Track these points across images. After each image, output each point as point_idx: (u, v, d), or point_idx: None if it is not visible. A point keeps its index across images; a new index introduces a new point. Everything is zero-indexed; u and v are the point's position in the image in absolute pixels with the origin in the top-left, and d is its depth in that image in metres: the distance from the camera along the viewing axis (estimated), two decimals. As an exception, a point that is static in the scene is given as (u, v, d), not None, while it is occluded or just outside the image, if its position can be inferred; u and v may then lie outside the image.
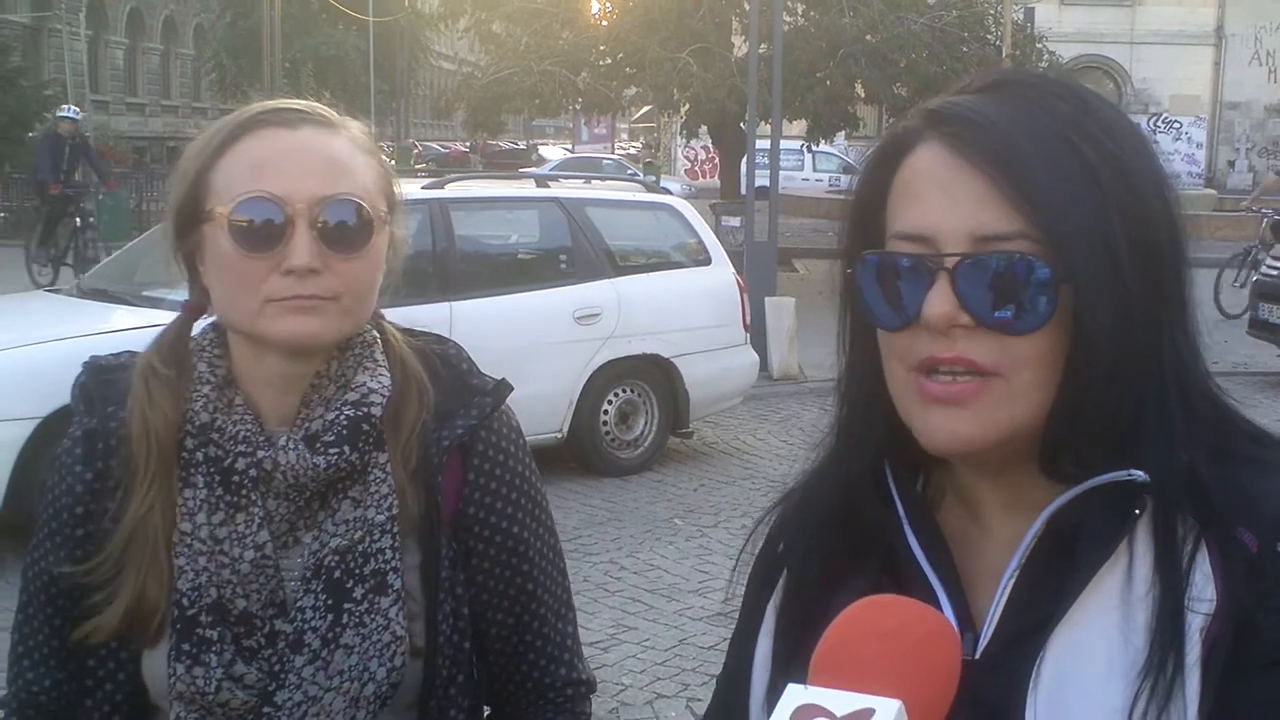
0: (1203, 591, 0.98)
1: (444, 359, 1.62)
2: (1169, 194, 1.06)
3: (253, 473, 1.48)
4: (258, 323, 1.44)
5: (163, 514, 1.48)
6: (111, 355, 1.61)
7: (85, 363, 1.60)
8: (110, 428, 1.53)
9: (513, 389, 1.64)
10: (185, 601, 1.47)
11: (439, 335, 1.66)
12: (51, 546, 1.54)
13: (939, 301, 1.00)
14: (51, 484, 1.56)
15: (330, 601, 1.48)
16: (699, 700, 5.23)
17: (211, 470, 1.49)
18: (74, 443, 1.55)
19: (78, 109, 21.14)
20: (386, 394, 1.52)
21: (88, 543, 1.52)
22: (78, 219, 17.84)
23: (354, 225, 1.45)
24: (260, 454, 1.47)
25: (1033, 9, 28.75)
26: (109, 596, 1.48)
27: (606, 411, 8.73)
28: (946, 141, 1.03)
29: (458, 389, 1.59)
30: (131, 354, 1.59)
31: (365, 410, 1.50)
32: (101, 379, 1.58)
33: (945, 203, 1.02)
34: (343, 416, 1.49)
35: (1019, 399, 1.01)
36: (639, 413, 8.93)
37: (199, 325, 1.58)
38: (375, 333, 1.58)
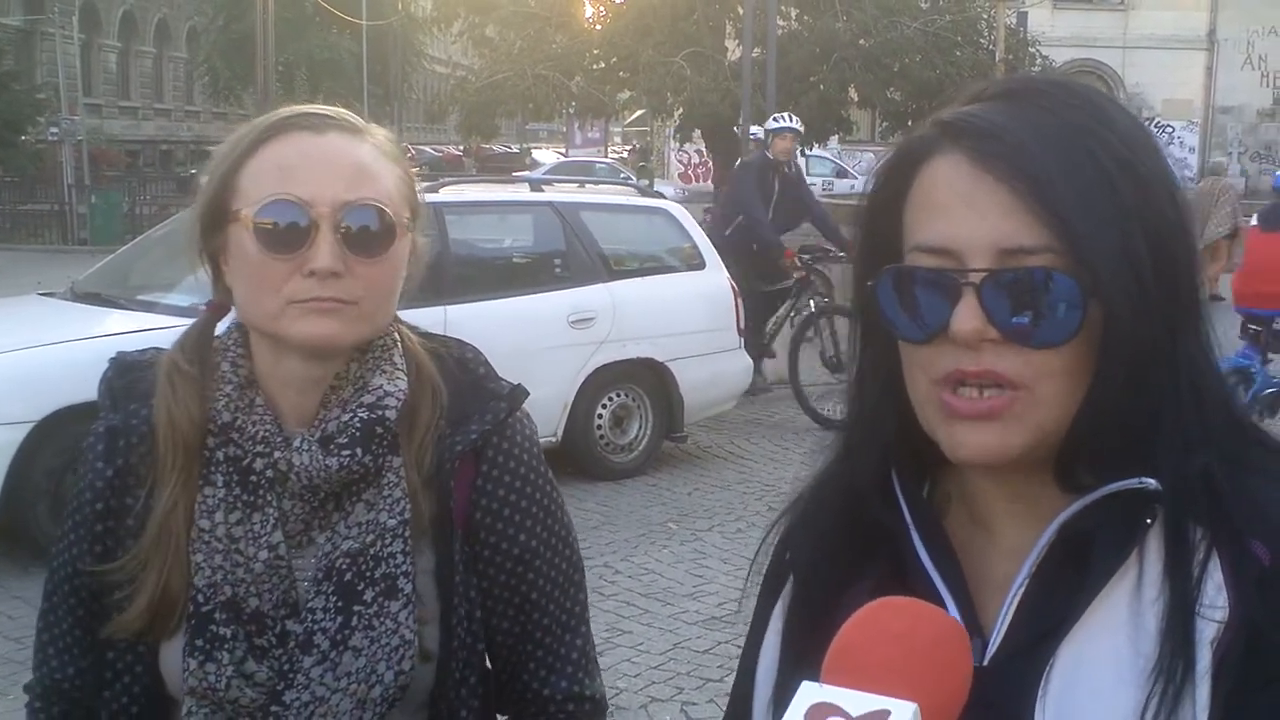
0: (1214, 600, 0.98)
1: (460, 363, 1.63)
2: (1180, 200, 1.06)
3: (269, 473, 1.50)
4: (279, 323, 1.46)
5: (185, 511, 1.50)
6: (138, 351, 1.62)
7: (112, 359, 1.62)
8: (132, 425, 1.55)
9: (529, 394, 1.64)
10: (200, 598, 1.49)
11: (458, 339, 1.67)
12: (75, 539, 1.57)
13: (968, 317, 1.00)
14: (76, 479, 1.59)
15: (340, 604, 1.49)
16: (693, 704, 5.24)
17: (230, 470, 1.51)
18: (96, 439, 1.57)
19: (791, 115, 12.02)
20: (402, 398, 1.53)
21: (108, 538, 1.54)
22: (812, 301, 10.95)
23: (377, 230, 1.47)
24: (277, 455, 1.49)
25: (1026, 13, 28.77)
26: (134, 592, 1.50)
27: (601, 415, 8.73)
28: (967, 154, 1.03)
29: (473, 393, 1.60)
30: (158, 350, 1.60)
31: (380, 413, 1.51)
32: (127, 376, 1.59)
33: (969, 216, 1.01)
34: (357, 418, 1.50)
35: (1044, 409, 1.01)
36: (633, 417, 8.92)
37: (222, 325, 1.60)
38: (394, 336, 1.59)
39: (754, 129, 16.24)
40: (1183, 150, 42.62)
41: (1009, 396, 1.01)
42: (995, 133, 1.02)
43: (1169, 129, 42.45)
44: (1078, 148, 1.01)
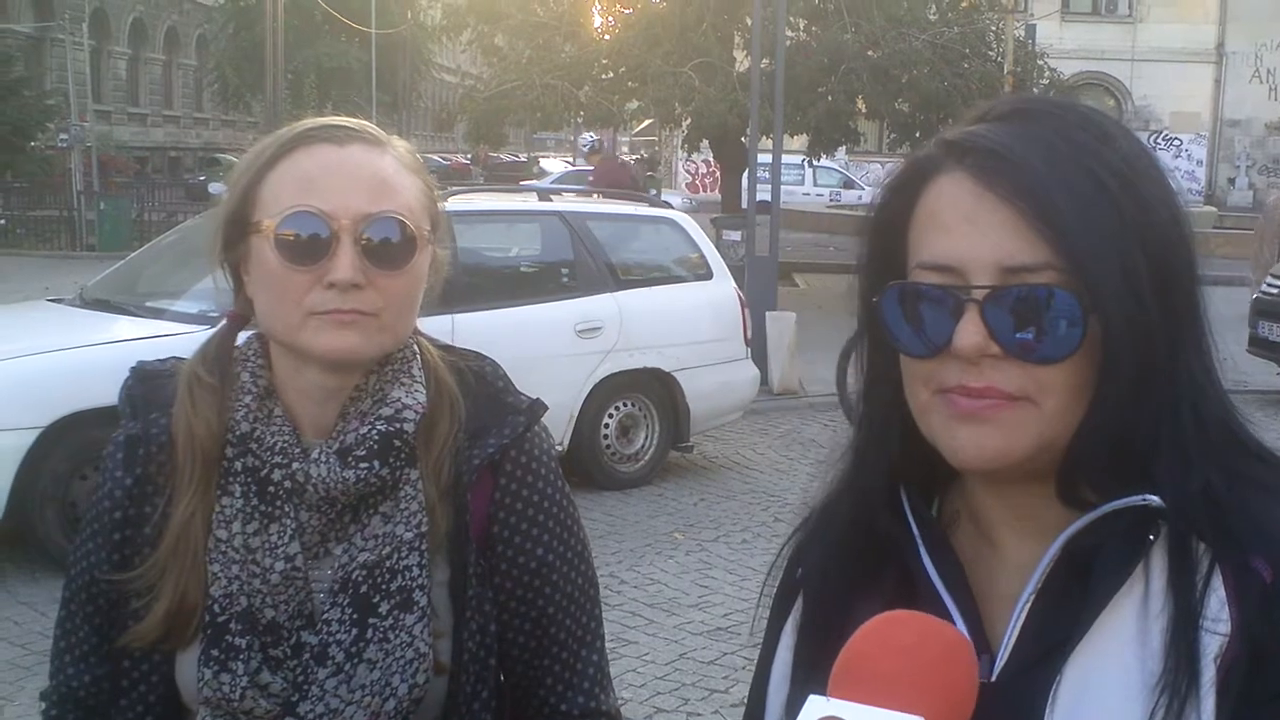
0: (1218, 615, 0.99)
1: (479, 376, 1.63)
2: (1183, 218, 1.07)
3: (287, 484, 1.50)
4: (299, 335, 1.47)
5: (203, 521, 1.51)
6: (158, 361, 1.63)
7: (133, 368, 1.63)
8: (152, 434, 1.56)
9: (547, 408, 1.64)
10: (216, 608, 1.49)
11: (477, 352, 1.67)
12: (93, 548, 1.57)
13: (970, 332, 1.02)
14: (96, 486, 1.60)
15: (356, 616, 1.49)
16: (699, 715, 5.24)
17: (249, 480, 1.51)
18: (116, 447, 1.58)
19: None
20: (421, 410, 1.54)
21: (125, 547, 1.55)
22: None
23: (397, 243, 1.48)
24: (295, 466, 1.49)
25: (1034, 25, 28.75)
26: (151, 601, 1.51)
27: (607, 425, 8.75)
28: (971, 172, 1.04)
29: (492, 407, 1.60)
30: (177, 360, 1.61)
31: (398, 426, 1.51)
32: (147, 384, 1.60)
33: (972, 234, 1.03)
34: (375, 431, 1.50)
35: (1046, 422, 1.03)
36: (639, 426, 8.94)
37: (242, 335, 1.60)
38: (414, 348, 1.59)
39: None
40: (1190, 163, 42.59)
41: (1009, 403, 1.02)
42: (999, 152, 1.04)
43: (1177, 142, 42.45)
44: (1080, 167, 1.03)
